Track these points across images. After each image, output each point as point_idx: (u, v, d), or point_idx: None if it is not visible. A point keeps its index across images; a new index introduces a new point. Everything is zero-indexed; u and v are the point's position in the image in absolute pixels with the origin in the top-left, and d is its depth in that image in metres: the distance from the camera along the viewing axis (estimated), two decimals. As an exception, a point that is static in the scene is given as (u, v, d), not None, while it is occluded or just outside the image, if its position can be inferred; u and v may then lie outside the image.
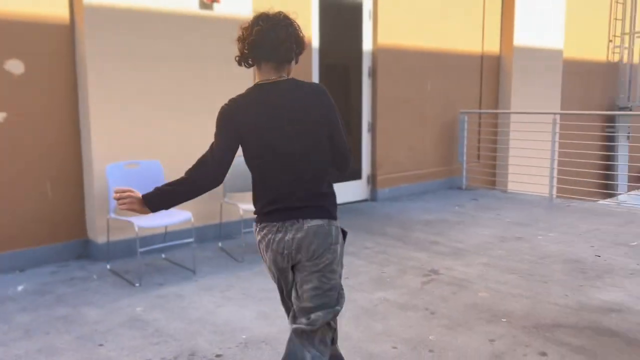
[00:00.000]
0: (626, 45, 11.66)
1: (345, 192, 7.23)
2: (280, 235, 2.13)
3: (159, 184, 2.22)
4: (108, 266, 4.75)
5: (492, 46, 8.81)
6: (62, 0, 4.72)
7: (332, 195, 2.22)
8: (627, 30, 11.60)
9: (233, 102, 2.15)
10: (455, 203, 7.35)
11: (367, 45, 7.27)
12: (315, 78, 6.72)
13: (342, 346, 2.86)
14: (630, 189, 11.60)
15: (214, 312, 3.77)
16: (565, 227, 6.01)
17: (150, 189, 2.21)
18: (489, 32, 8.70)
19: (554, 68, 9.65)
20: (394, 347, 3.24)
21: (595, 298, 3.97)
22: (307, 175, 2.13)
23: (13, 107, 4.59)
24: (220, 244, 5.37)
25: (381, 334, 3.41)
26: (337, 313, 2.23)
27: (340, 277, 2.24)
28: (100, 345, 3.30)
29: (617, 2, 11.43)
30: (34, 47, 4.63)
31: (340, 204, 6.65)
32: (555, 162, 7.45)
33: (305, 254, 2.14)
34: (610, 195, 10.46)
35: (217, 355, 3.15)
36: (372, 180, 7.51)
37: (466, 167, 8.39)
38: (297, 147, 2.11)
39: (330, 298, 2.20)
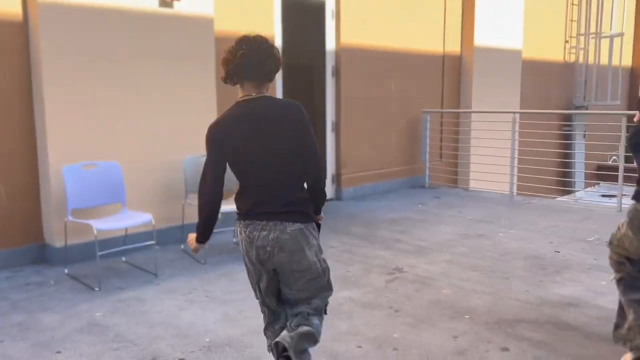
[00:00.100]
0: (582, 46, 12.00)
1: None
2: (264, 233, 2.36)
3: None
4: (66, 270, 4.61)
5: (454, 46, 8.93)
6: (14, -4, 4.57)
7: (309, 200, 2.46)
8: (582, 31, 11.94)
9: (216, 122, 2.39)
10: (419, 201, 7.42)
11: (330, 44, 7.27)
12: (278, 78, 6.68)
13: (307, 347, 2.84)
14: (587, 185, 11.94)
15: (177, 316, 3.70)
16: (525, 224, 6.13)
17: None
18: (450, 33, 8.81)
19: (513, 68, 9.85)
20: (359, 347, 3.24)
21: (554, 293, 4.06)
22: (285, 182, 2.38)
23: (-37, 107, 4.42)
24: (182, 246, 5.27)
25: (346, 333, 3.41)
26: (330, 295, 2.59)
27: (324, 261, 2.54)
28: (58, 352, 3.20)
29: (572, 4, 11.74)
30: (-15, 44, 4.47)
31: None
32: (515, 160, 7.60)
33: (288, 255, 2.37)
34: (568, 192, 10.74)
35: (180, 360, 3.09)
36: (337, 179, 7.52)
37: (429, 166, 8.49)
38: (274, 157, 2.35)
39: (323, 282, 2.53)
